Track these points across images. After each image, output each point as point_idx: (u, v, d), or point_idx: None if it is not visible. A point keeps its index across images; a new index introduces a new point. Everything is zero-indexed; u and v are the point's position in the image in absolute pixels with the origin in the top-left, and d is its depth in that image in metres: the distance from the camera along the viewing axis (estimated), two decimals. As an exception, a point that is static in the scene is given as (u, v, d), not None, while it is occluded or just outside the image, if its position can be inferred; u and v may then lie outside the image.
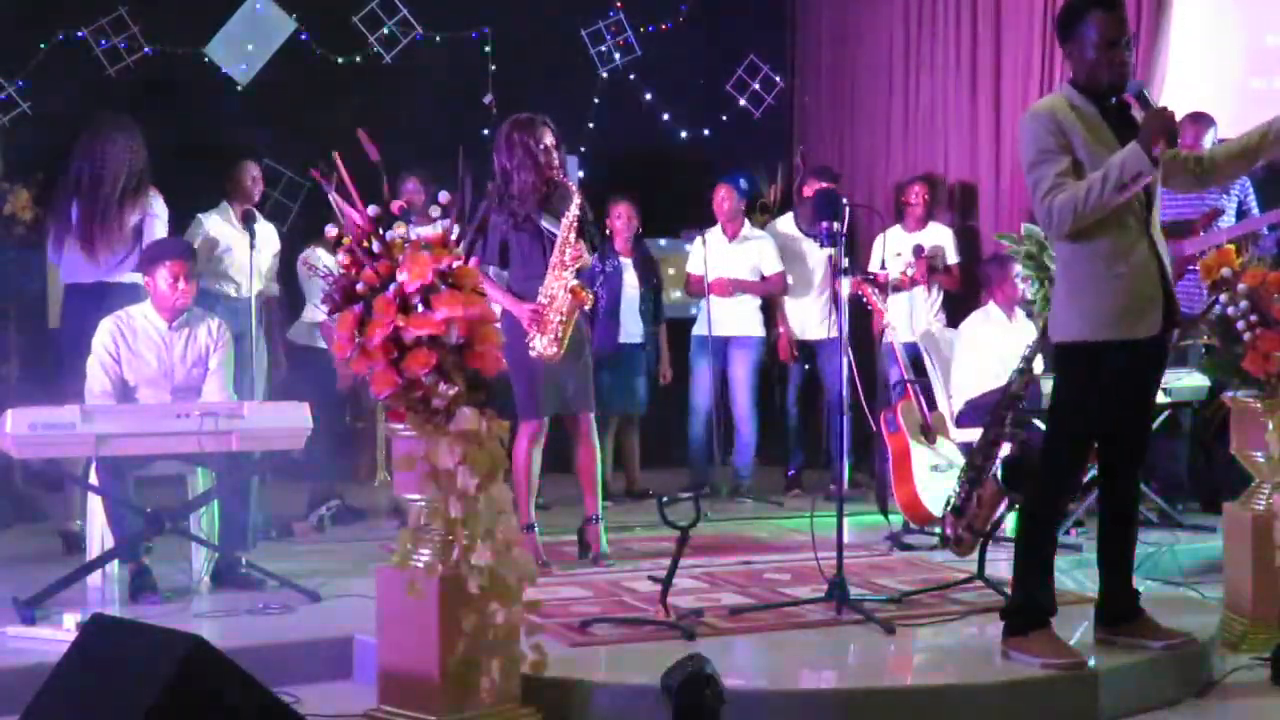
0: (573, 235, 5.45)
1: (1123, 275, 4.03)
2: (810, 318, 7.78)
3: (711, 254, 7.58)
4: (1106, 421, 4.17)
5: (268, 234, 6.67)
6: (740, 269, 7.68)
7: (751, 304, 7.79)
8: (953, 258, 7.72)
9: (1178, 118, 4.00)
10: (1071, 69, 4.17)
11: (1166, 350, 4.28)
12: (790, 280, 7.77)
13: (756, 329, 7.81)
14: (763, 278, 7.76)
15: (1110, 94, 4.09)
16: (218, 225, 6.55)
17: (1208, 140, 6.56)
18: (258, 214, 6.53)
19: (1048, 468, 4.23)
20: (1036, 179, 4.05)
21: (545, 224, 5.52)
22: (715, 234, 7.73)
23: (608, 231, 7.36)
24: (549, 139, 5.52)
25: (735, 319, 7.67)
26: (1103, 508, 4.38)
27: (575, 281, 5.42)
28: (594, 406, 5.74)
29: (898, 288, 7.56)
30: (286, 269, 7.00)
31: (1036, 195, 4.06)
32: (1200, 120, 6.65)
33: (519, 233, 5.54)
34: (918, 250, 7.57)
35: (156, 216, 6.01)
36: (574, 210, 5.45)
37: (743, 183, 7.99)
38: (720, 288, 7.57)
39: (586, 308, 5.51)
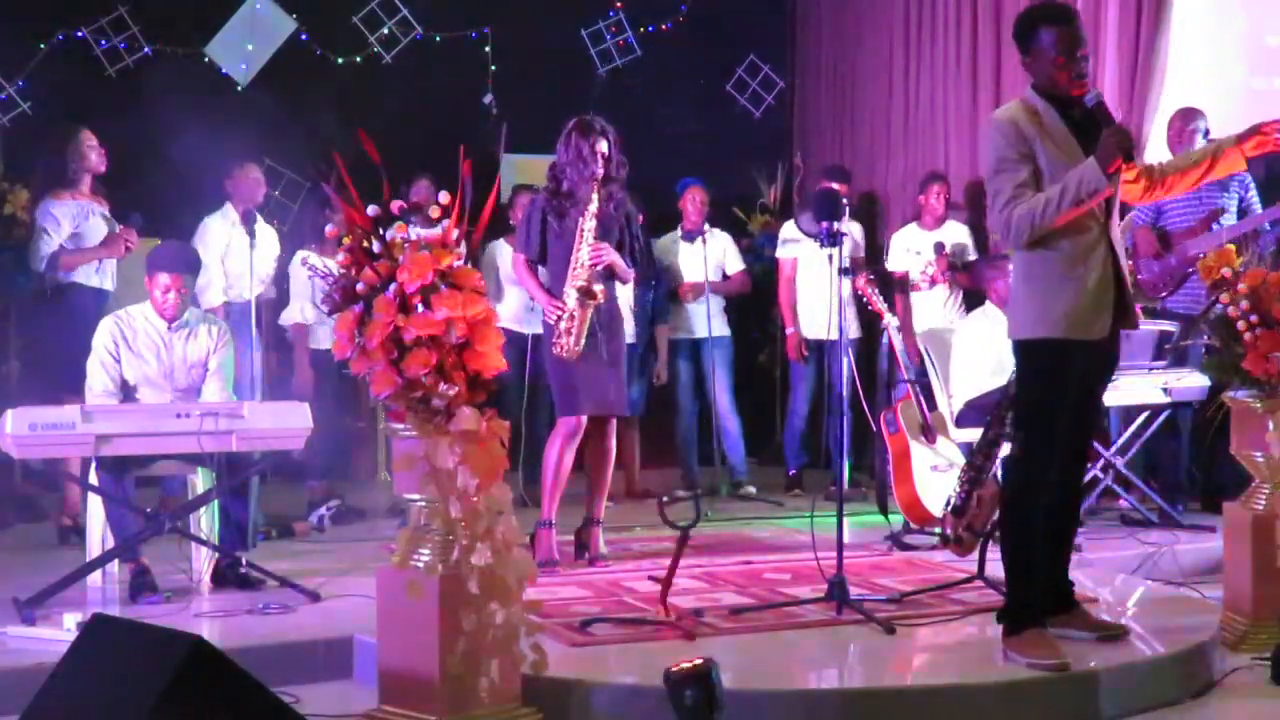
0: (592, 236, 5.49)
1: (1081, 277, 4.07)
2: (820, 318, 7.75)
3: (677, 255, 7.68)
4: (1070, 416, 4.21)
5: (268, 236, 6.66)
6: (705, 268, 7.66)
7: (719, 304, 7.79)
8: (973, 255, 7.69)
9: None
10: (1032, 75, 4.19)
11: (1117, 353, 4.33)
12: (801, 280, 7.77)
13: (725, 328, 7.82)
14: (725, 276, 7.81)
15: (1071, 103, 4.12)
16: (219, 227, 6.57)
17: (1198, 129, 6.57)
18: (259, 216, 6.53)
19: (1022, 466, 4.24)
20: (995, 190, 4.11)
21: (586, 225, 5.54)
22: (675, 236, 7.78)
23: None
24: (603, 145, 5.54)
25: (706, 320, 7.61)
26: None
27: (584, 281, 5.44)
28: (626, 410, 5.84)
29: (916, 287, 7.55)
30: (279, 269, 7.00)
31: (995, 206, 4.12)
32: (1189, 115, 6.66)
33: (562, 229, 5.57)
34: (938, 248, 7.54)
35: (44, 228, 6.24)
36: (592, 209, 5.49)
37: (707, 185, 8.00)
38: (688, 293, 7.62)
39: (594, 303, 5.49)
